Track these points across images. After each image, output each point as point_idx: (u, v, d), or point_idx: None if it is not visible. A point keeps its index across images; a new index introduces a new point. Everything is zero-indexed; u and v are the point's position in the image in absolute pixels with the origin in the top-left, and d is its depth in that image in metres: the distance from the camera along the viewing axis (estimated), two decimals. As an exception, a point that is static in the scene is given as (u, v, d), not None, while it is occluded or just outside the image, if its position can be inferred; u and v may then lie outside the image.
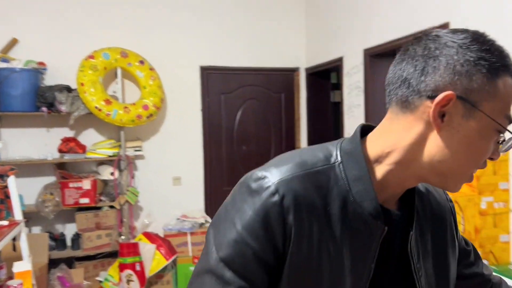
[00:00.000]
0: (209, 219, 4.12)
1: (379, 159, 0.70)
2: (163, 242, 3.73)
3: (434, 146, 0.66)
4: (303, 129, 4.76)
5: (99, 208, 3.83)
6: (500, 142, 0.68)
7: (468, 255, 0.91)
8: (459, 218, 2.27)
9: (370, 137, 0.73)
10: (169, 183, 4.26)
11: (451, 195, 0.89)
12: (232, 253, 0.66)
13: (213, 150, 4.43)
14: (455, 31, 0.67)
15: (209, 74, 4.38)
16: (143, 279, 3.49)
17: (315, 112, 4.70)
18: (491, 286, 0.94)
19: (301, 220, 0.66)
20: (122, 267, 3.45)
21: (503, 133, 0.67)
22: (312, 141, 4.65)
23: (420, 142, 0.67)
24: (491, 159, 0.69)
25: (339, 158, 0.71)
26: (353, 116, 3.91)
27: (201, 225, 3.96)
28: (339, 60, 3.99)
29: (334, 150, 0.72)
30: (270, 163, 0.72)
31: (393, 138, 0.69)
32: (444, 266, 0.80)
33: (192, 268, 3.82)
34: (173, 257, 3.69)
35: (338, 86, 4.35)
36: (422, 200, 0.79)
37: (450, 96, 0.63)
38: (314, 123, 4.70)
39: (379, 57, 3.51)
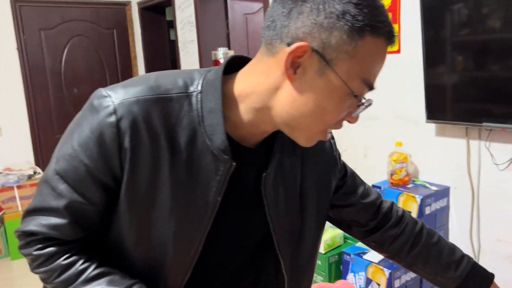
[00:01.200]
0: (39, 170, 3.77)
1: (239, 97, 0.68)
2: (-16, 200, 3.32)
3: (285, 97, 0.64)
4: (141, 68, 4.56)
5: None
6: (363, 106, 0.65)
7: (342, 186, 0.89)
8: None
9: (240, 72, 0.70)
10: (-14, 135, 3.74)
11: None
12: (67, 167, 0.66)
13: (37, 95, 3.97)
14: None
15: (22, 7, 3.81)
16: (-38, 243, 3.09)
17: (152, 50, 4.51)
18: (376, 209, 0.92)
19: (138, 146, 0.64)
20: None
21: (359, 96, 0.63)
22: (150, 80, 4.49)
23: (275, 89, 0.65)
24: (348, 121, 0.68)
25: (199, 88, 0.68)
26: (188, 52, 3.86)
27: (30, 177, 3.60)
28: (170, -6, 3.84)
29: (197, 79, 0.69)
30: (122, 82, 0.68)
31: (254, 80, 0.67)
32: (314, 204, 0.82)
33: (23, 224, 3.51)
34: (-2, 215, 3.33)
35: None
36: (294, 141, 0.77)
37: (305, 47, 0.60)
38: (152, 61, 4.52)
39: (208, -9, 3.47)
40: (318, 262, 2.15)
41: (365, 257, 2.00)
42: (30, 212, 0.69)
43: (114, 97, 0.64)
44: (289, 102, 0.64)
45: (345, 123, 0.69)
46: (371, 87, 0.65)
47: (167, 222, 0.68)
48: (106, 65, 4.34)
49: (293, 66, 0.62)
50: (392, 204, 0.96)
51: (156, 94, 0.66)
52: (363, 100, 0.65)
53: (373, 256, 1.99)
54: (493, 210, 1.94)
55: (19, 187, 3.53)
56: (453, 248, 0.93)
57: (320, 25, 0.60)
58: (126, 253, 0.71)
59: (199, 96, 0.67)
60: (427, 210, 1.98)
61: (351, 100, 0.64)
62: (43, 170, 3.79)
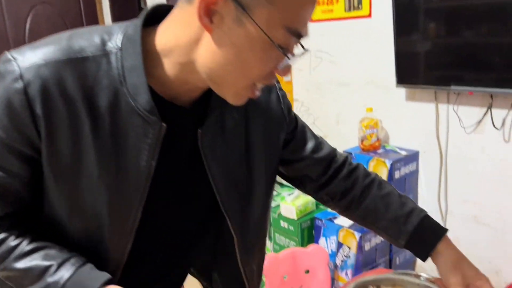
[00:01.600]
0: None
1: (162, 52, 0.63)
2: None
3: (206, 49, 0.59)
4: (110, 37, 4.41)
5: None
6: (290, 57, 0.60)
7: (291, 140, 0.86)
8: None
9: (162, 24, 0.64)
10: None
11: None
12: None
13: (1, 66, 3.81)
14: None
15: (-21, -28, 3.60)
16: None
17: (121, 18, 4.35)
18: (328, 164, 0.90)
19: (52, 112, 0.60)
20: None
21: (284, 47, 0.58)
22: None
23: (195, 41, 0.60)
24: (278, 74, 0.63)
25: (118, 44, 0.62)
26: (158, 20, 3.75)
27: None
28: (137, -42, 3.68)
29: (116, 34, 0.63)
30: (32, 43, 0.63)
31: (176, 31, 0.62)
32: (262, 160, 0.79)
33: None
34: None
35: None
36: None
37: None
38: (121, 30, 4.38)
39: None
40: (291, 227, 2.18)
41: (336, 221, 2.03)
42: None
43: (20, 61, 0.59)
44: (209, 55, 0.59)
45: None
46: (299, 36, 0.59)
47: (97, 192, 0.64)
48: (73, 34, 4.18)
49: (208, 14, 0.57)
50: (346, 157, 0.93)
51: (70, 56, 0.60)
52: (291, 51, 0.60)
53: (344, 220, 2.02)
54: (460, 172, 1.98)
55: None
56: (404, 202, 0.88)
57: None
58: (62, 226, 0.67)
59: (118, 54, 0.62)
60: (397, 175, 2.01)
61: (276, 51, 0.58)
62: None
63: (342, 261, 2.02)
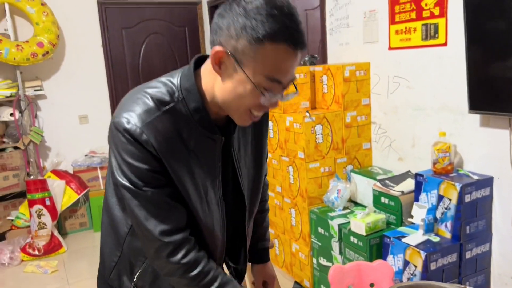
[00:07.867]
0: (119, 154, 4.23)
1: (206, 93, 0.92)
2: (73, 178, 3.82)
3: (218, 87, 0.88)
4: (209, 62, 4.88)
5: (2, 150, 3.79)
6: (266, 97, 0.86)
7: None
8: (327, 131, 2.62)
9: (203, 72, 0.93)
10: (76, 122, 4.26)
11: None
12: None
13: (118, 86, 4.44)
14: None
15: (107, 9, 4.28)
16: (55, 213, 3.60)
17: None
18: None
19: (163, 148, 0.89)
20: (31, 203, 3.52)
21: (267, 89, 0.84)
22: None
23: (214, 83, 0.89)
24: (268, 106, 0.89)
25: (180, 96, 0.90)
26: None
27: (111, 159, 4.08)
28: (236, -8, 4.08)
29: (174, 86, 0.91)
30: (124, 107, 0.90)
31: (209, 78, 0.90)
32: (259, 152, 1.14)
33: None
34: (84, 191, 3.82)
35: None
36: None
37: (220, 51, 0.82)
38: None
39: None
40: (360, 243, 2.29)
41: (403, 240, 2.10)
42: None
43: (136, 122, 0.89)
44: (220, 90, 0.88)
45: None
46: (278, 82, 0.85)
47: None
48: (178, 59, 4.72)
49: (218, 64, 0.85)
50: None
51: (162, 110, 0.89)
52: (275, 92, 0.86)
53: (411, 239, 2.09)
54: (537, 200, 1.94)
55: (101, 168, 4.01)
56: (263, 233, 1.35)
57: (230, 35, 0.81)
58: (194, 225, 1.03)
59: (184, 101, 0.91)
60: (467, 198, 2.03)
61: (258, 91, 0.84)
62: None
63: (408, 279, 2.08)
